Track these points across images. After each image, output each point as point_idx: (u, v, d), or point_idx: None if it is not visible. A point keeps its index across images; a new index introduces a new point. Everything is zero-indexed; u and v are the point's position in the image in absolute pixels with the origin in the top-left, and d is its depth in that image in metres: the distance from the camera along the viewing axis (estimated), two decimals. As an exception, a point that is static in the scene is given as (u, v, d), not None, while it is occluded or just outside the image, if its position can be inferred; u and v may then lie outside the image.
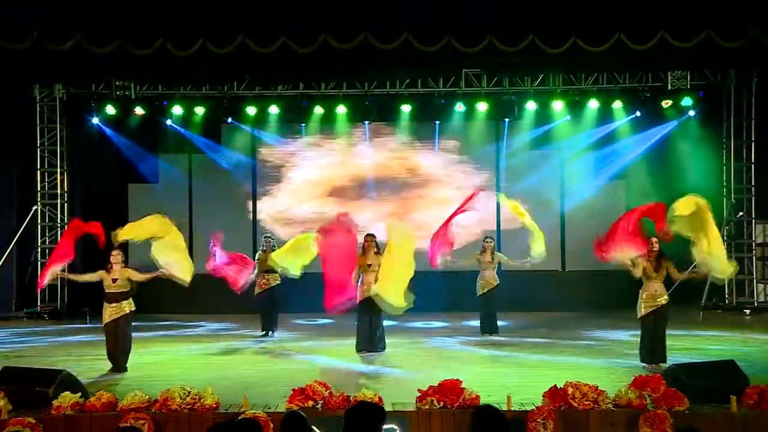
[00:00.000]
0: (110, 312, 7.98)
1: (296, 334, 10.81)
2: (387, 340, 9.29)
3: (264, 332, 10.58)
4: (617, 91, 12.91)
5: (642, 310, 7.95)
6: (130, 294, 8.08)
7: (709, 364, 6.82)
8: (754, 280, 13.10)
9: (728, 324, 11.30)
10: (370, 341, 9.00)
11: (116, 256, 8.01)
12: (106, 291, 8.00)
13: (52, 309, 12.98)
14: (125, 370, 7.96)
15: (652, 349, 7.91)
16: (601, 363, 8.19)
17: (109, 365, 7.99)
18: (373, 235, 9.21)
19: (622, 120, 13.33)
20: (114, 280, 7.97)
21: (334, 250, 8.71)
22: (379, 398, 5.71)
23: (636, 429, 5.60)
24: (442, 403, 5.76)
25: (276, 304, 10.65)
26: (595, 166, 13.52)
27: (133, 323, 8.30)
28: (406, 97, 13.05)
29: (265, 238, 10.92)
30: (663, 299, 7.97)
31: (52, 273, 8.33)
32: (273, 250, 10.36)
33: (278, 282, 10.58)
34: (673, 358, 7.92)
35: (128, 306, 8.04)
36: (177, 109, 13.16)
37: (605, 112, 13.18)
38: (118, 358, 7.98)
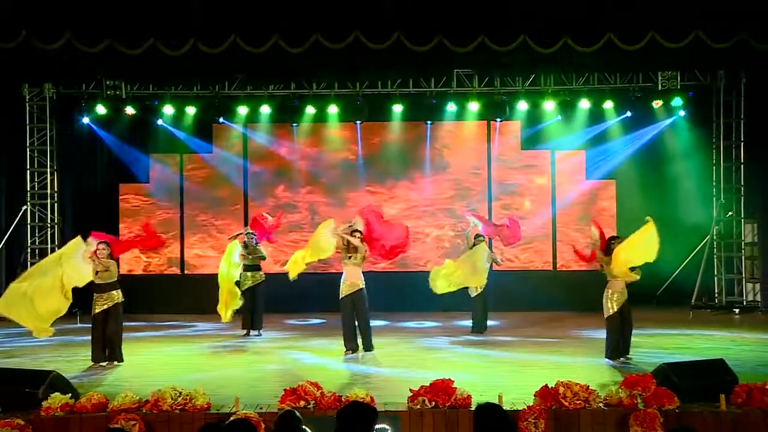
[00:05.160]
0: (101, 303, 8.26)
1: (288, 333, 10.79)
2: (380, 340, 9.32)
3: (245, 332, 10.50)
4: (608, 91, 12.96)
5: (614, 307, 8.22)
6: (117, 284, 8.39)
7: (699, 362, 6.86)
8: (743, 280, 13.19)
9: (718, 323, 11.38)
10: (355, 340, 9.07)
11: (103, 251, 8.24)
12: (96, 282, 8.24)
13: (42, 309, 12.90)
14: (122, 359, 8.32)
15: (623, 344, 8.24)
16: (592, 362, 8.23)
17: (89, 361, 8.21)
18: (360, 231, 9.19)
19: (612, 120, 13.39)
20: (103, 271, 8.21)
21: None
22: (371, 398, 5.71)
23: (627, 428, 5.63)
24: (433, 403, 5.77)
25: (259, 302, 10.60)
26: (586, 165, 13.58)
27: (124, 324, 8.41)
28: (397, 97, 13.05)
29: (247, 234, 10.80)
30: (625, 295, 8.31)
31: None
32: (255, 246, 10.56)
33: (262, 279, 10.58)
34: (663, 357, 7.97)
35: (118, 296, 8.34)
36: (168, 109, 13.11)
37: (596, 112, 13.23)
38: (114, 347, 8.28)
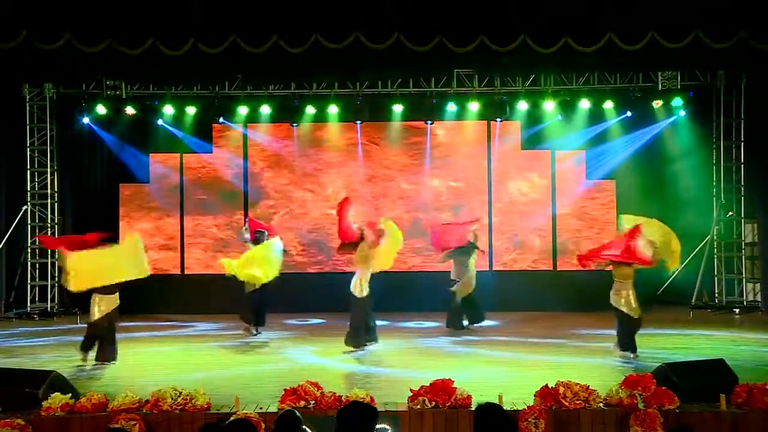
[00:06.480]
0: (110, 303, 8.41)
1: (287, 333, 10.79)
2: (380, 340, 9.41)
3: (255, 330, 10.53)
4: (608, 91, 12.96)
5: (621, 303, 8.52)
6: None
7: (699, 362, 6.87)
8: (744, 280, 13.18)
9: (718, 323, 11.37)
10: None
11: None
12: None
13: (42, 310, 12.91)
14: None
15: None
16: (592, 362, 8.23)
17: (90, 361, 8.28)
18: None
19: (613, 120, 13.38)
20: None
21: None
22: (371, 398, 5.71)
23: (627, 428, 5.64)
24: (433, 403, 5.77)
25: (266, 302, 10.60)
26: (586, 165, 13.58)
27: (123, 323, 8.51)
28: (397, 97, 13.05)
29: (258, 232, 10.82)
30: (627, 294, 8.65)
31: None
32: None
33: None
34: (663, 357, 7.98)
35: (118, 298, 8.55)
36: (168, 109, 13.11)
37: (596, 112, 13.22)
38: (114, 348, 8.41)
